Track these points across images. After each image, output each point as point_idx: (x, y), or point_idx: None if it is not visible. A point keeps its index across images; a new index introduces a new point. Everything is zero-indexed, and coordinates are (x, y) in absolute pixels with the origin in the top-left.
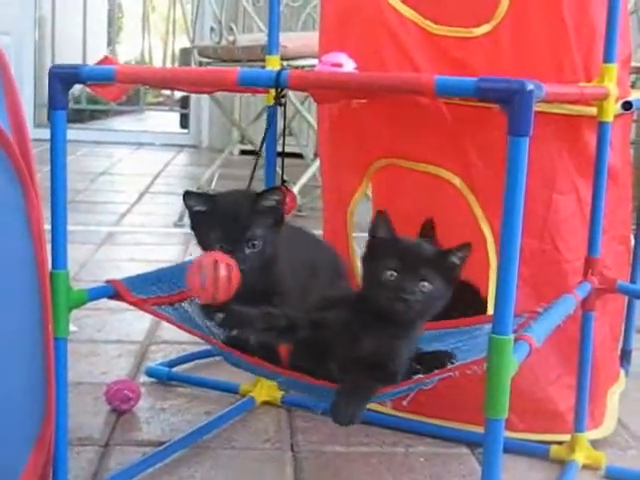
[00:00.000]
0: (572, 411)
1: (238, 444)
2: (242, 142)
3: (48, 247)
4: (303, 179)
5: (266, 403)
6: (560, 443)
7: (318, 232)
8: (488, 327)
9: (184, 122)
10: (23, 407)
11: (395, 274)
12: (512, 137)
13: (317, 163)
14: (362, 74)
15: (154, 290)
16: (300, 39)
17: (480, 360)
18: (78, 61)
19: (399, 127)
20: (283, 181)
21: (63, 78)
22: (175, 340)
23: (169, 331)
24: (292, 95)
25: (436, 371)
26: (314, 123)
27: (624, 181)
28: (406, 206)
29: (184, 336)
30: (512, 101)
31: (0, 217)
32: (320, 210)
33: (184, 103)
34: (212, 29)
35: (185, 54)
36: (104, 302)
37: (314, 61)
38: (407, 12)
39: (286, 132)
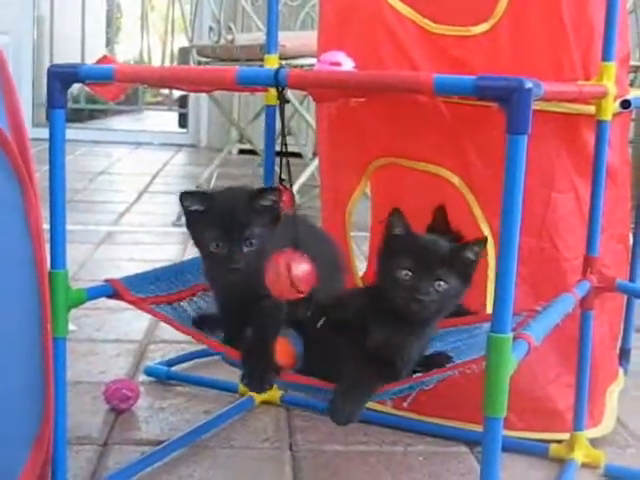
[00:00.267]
0: (571, 410)
1: (237, 443)
2: (241, 141)
3: (47, 246)
4: (302, 178)
5: (265, 402)
6: (559, 442)
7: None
8: (487, 326)
9: (183, 122)
10: (22, 406)
11: (410, 274)
12: (510, 135)
13: (316, 162)
14: (360, 73)
15: (153, 289)
16: (299, 38)
17: (479, 359)
18: (77, 61)
19: (398, 126)
20: (281, 180)
21: (62, 77)
22: (174, 339)
23: (168, 330)
24: (291, 94)
25: (435, 370)
26: (313, 122)
27: (623, 180)
28: (405, 205)
29: (183, 335)
30: (510, 99)
31: None
32: (318, 209)
33: (183, 103)
34: (211, 28)
35: (184, 53)
36: (103, 301)
37: (313, 60)
38: (405, 11)
39: (285, 131)
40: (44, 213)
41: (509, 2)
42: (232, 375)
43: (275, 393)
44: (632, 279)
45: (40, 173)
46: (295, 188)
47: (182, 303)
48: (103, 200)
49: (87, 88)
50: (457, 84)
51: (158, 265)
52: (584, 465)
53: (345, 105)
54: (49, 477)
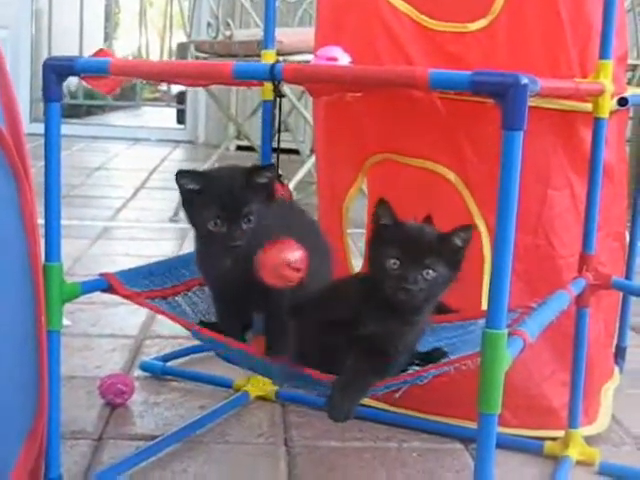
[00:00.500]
0: (566, 407)
1: (232, 439)
2: (238, 138)
3: (42, 242)
4: (299, 175)
5: (260, 398)
6: (554, 439)
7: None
8: (483, 322)
9: (181, 118)
10: (15, 400)
11: (398, 263)
12: (506, 131)
13: (313, 159)
14: (356, 67)
15: (147, 284)
16: (296, 34)
17: (474, 355)
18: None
19: (394, 122)
20: (279, 175)
21: (57, 70)
22: (169, 334)
23: (164, 325)
24: (288, 90)
25: (431, 365)
26: (310, 119)
27: (619, 178)
28: (401, 201)
29: (179, 330)
30: (506, 95)
31: None
32: (315, 206)
33: (180, 99)
34: (209, 24)
35: (182, 49)
36: (98, 296)
37: (310, 57)
38: (402, 6)
39: (282, 128)
40: (40, 208)
41: None
42: (227, 371)
43: (270, 389)
44: (628, 277)
45: (37, 168)
46: (292, 185)
47: (176, 298)
48: (100, 195)
49: (84, 83)
50: (453, 79)
51: (154, 261)
52: (579, 463)
53: (341, 101)
54: (42, 471)
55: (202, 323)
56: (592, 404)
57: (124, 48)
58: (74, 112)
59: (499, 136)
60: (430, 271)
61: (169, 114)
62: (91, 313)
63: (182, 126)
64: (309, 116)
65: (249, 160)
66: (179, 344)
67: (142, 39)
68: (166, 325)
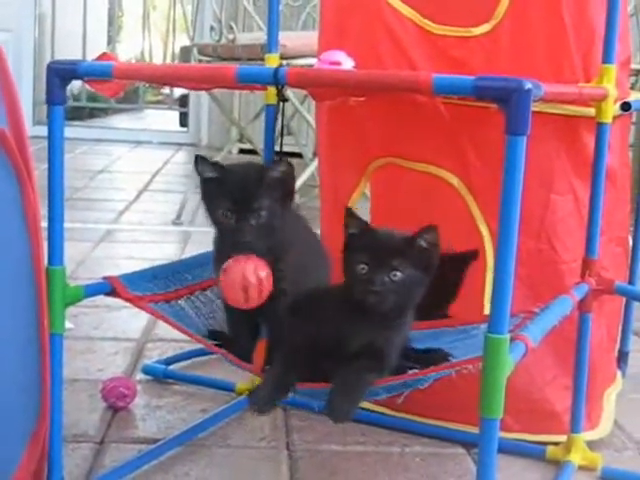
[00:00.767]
0: (568, 412)
1: (233, 442)
2: (241, 141)
3: (45, 244)
4: (301, 178)
5: None
6: (556, 444)
7: (316, 231)
8: (485, 327)
9: (183, 120)
10: (18, 403)
11: (366, 267)
12: (510, 136)
13: (316, 163)
14: (360, 72)
15: (150, 287)
16: (300, 38)
17: (476, 358)
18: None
19: (397, 126)
20: None
21: (61, 73)
22: (172, 338)
23: (166, 329)
24: (291, 94)
25: (432, 367)
26: (313, 122)
27: (622, 183)
28: (404, 205)
29: (181, 334)
30: (510, 100)
31: None
32: (318, 209)
33: (183, 102)
34: (212, 28)
35: (185, 52)
36: (101, 299)
37: (314, 60)
38: (406, 11)
39: (285, 131)
40: (43, 211)
41: (510, 3)
42: (229, 374)
43: None
44: (631, 282)
45: (40, 171)
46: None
47: (180, 301)
48: (103, 198)
49: (87, 86)
50: (456, 84)
51: (157, 264)
52: (581, 468)
53: (344, 105)
54: (44, 474)
55: (211, 333)
56: (594, 409)
57: (127, 51)
58: (77, 115)
59: (502, 141)
60: (397, 273)
61: (172, 117)
62: (94, 316)
63: (185, 129)
64: (312, 120)
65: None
66: (181, 347)
67: (145, 43)
68: (168, 328)
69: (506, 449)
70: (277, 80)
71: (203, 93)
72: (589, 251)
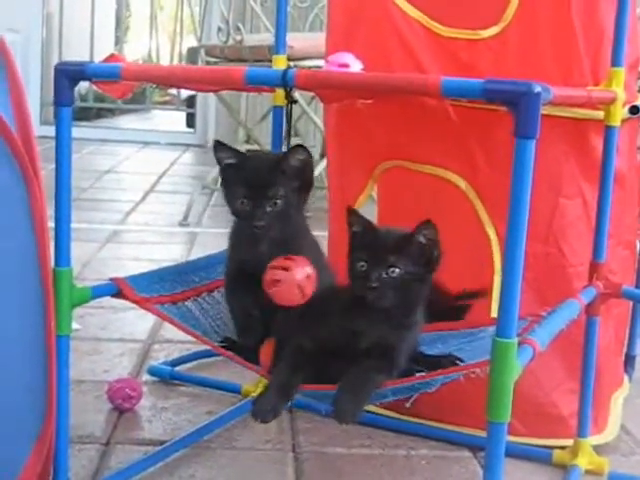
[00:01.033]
0: (575, 416)
1: (239, 444)
2: (248, 142)
3: (52, 244)
4: None
5: None
6: (563, 448)
7: (323, 233)
8: (492, 329)
9: (190, 121)
10: (24, 404)
11: (365, 265)
12: (519, 139)
13: (323, 164)
14: (369, 74)
15: (157, 289)
16: (307, 40)
17: (484, 362)
18: (85, 59)
19: (405, 129)
20: None
21: (69, 75)
22: (178, 339)
23: (172, 330)
24: (299, 95)
25: (439, 370)
26: (320, 124)
27: (630, 186)
28: (411, 208)
29: (187, 335)
30: (519, 103)
31: (3, 213)
32: (325, 211)
33: (190, 102)
34: (219, 29)
35: (192, 53)
36: (108, 300)
37: (321, 62)
38: (414, 13)
39: (292, 132)
40: (50, 211)
41: (519, 6)
42: (235, 376)
43: None
44: (638, 285)
45: (47, 171)
46: None
47: (187, 303)
48: (109, 199)
49: (95, 87)
50: (465, 87)
51: (163, 265)
52: (588, 472)
53: (352, 107)
54: (50, 475)
55: (222, 340)
56: (601, 413)
57: (134, 52)
58: (84, 115)
59: (511, 144)
60: (396, 269)
61: (179, 118)
62: (100, 317)
63: (192, 130)
64: (319, 121)
65: None
66: (187, 349)
67: (152, 43)
68: (175, 330)
69: (512, 453)
70: (286, 82)
71: (210, 94)
72: (597, 255)
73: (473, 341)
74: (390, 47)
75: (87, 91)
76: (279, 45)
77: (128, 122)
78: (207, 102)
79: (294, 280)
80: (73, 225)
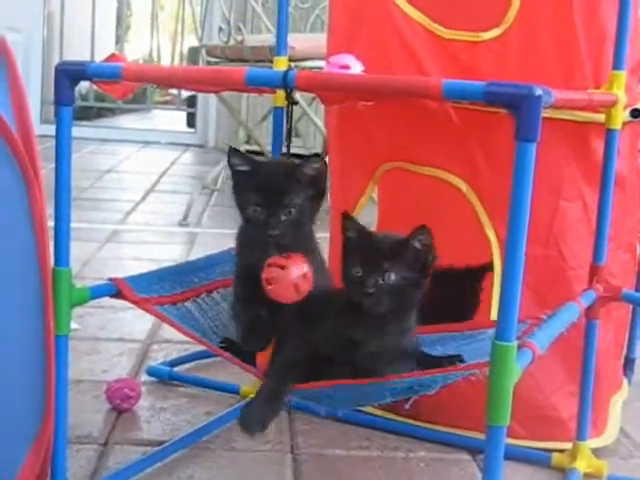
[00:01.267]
0: (574, 419)
1: (238, 445)
2: (248, 142)
3: (51, 244)
4: None
5: None
6: (562, 451)
7: (325, 234)
8: (492, 332)
9: (191, 121)
10: (23, 404)
11: (360, 271)
12: (519, 142)
13: None
14: (370, 76)
15: (156, 289)
16: (308, 40)
17: (483, 364)
18: (86, 58)
19: (406, 131)
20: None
21: (70, 74)
22: (177, 340)
23: (171, 330)
24: (299, 96)
25: (437, 369)
26: (321, 124)
27: (631, 189)
28: (412, 210)
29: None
30: (520, 106)
31: (3, 213)
32: (325, 211)
33: (191, 102)
34: (220, 29)
35: (193, 53)
36: (107, 300)
37: (322, 63)
38: (415, 14)
39: (293, 133)
40: (49, 210)
41: (520, 8)
42: (234, 377)
43: None
44: (638, 289)
45: (47, 170)
46: None
47: (186, 304)
48: (109, 198)
49: (95, 86)
50: (467, 90)
51: (163, 265)
52: (587, 475)
53: (353, 109)
54: (48, 476)
55: (222, 341)
56: (600, 416)
57: (135, 51)
58: (84, 114)
59: (511, 146)
60: (391, 275)
61: (179, 117)
62: (99, 317)
63: (192, 129)
64: (319, 122)
65: None
66: (186, 349)
67: (153, 42)
68: (173, 330)
69: (511, 456)
70: (286, 83)
71: (211, 94)
72: (597, 258)
73: (472, 343)
74: (391, 48)
75: (88, 90)
76: (280, 46)
77: (129, 121)
78: (208, 102)
79: (290, 279)
80: (73, 225)
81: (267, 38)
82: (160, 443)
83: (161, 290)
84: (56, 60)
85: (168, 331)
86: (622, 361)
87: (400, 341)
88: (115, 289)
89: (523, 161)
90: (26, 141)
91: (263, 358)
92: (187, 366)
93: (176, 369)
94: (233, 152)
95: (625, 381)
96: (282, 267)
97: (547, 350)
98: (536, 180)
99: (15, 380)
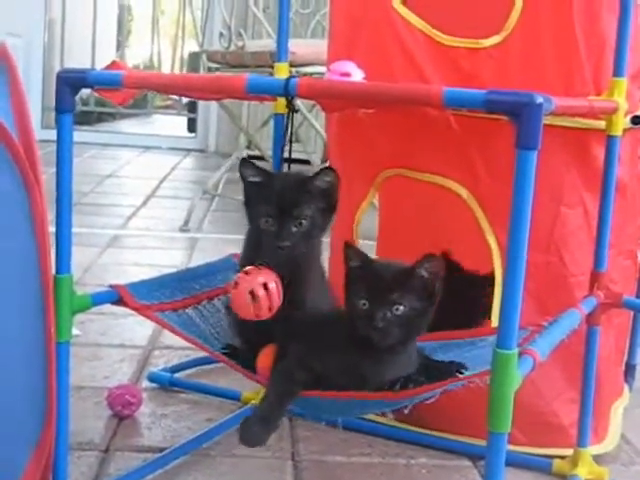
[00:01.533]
0: (575, 425)
1: (239, 452)
2: (249, 147)
3: (53, 250)
4: None
5: None
6: (563, 457)
7: (325, 240)
8: (493, 339)
9: (192, 126)
10: (24, 410)
11: (367, 303)
12: (520, 150)
13: None
14: (371, 84)
15: (158, 296)
16: (308, 46)
17: (484, 372)
18: (87, 64)
19: (406, 138)
20: None
21: (71, 82)
22: (178, 346)
23: (172, 336)
24: (300, 102)
25: (439, 382)
26: (321, 130)
27: (632, 195)
28: (412, 217)
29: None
30: (521, 114)
31: (4, 219)
32: None
33: (192, 107)
34: (221, 34)
35: (194, 58)
36: (108, 307)
37: (322, 68)
38: (416, 21)
39: (293, 139)
40: (50, 215)
41: (521, 15)
42: (235, 383)
43: None
44: (639, 295)
45: (48, 175)
46: None
47: (187, 310)
48: (110, 203)
49: (97, 94)
50: (467, 98)
51: (164, 270)
52: None
53: (354, 116)
54: None
55: (224, 347)
56: (601, 422)
57: (136, 56)
58: (85, 119)
59: (512, 153)
60: (400, 307)
61: (180, 122)
62: (100, 323)
63: (193, 134)
64: (320, 127)
65: None
66: (187, 355)
67: (154, 47)
68: (174, 336)
69: (512, 462)
70: (288, 91)
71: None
72: (598, 264)
73: (473, 350)
74: (392, 55)
75: (88, 95)
76: (281, 52)
77: (129, 126)
78: (209, 107)
79: (248, 285)
80: (74, 230)
81: (268, 44)
82: (161, 449)
83: (162, 297)
84: (57, 66)
85: (169, 337)
86: (623, 368)
87: (407, 365)
88: (116, 296)
89: (524, 169)
90: (27, 147)
91: (263, 364)
92: (188, 372)
93: (177, 375)
94: (245, 163)
95: (626, 388)
96: (246, 273)
97: (548, 357)
98: (537, 187)
99: (16, 386)
